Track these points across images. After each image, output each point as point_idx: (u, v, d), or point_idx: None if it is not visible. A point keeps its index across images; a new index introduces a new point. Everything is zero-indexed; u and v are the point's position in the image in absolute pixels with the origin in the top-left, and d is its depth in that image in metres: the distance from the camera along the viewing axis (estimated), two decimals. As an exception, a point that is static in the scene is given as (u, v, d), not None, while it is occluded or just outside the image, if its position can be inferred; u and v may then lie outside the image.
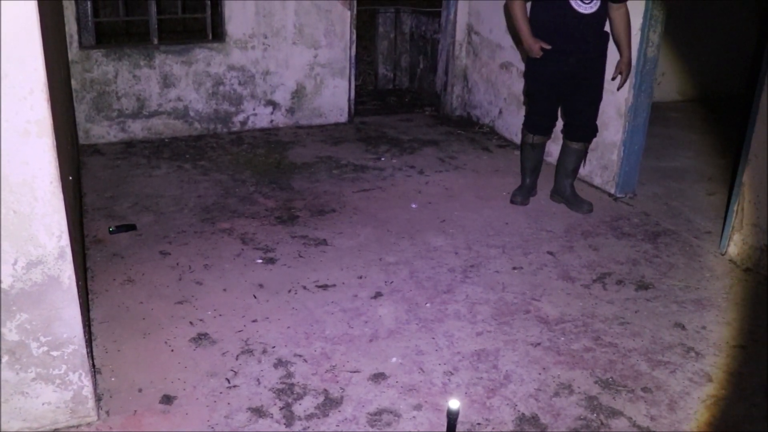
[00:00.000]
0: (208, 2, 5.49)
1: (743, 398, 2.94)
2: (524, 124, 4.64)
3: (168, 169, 5.02)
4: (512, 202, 4.71)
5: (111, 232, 4.02)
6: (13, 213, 2.26)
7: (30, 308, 2.40)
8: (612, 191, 4.87)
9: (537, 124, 4.54)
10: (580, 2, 4.08)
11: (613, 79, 4.48)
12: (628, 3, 4.25)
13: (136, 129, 5.43)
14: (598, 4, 4.10)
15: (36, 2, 2.11)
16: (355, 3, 5.85)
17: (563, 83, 4.31)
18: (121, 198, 4.53)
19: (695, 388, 2.99)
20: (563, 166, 4.66)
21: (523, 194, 4.73)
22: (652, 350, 3.23)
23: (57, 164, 2.27)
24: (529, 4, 4.31)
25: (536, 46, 4.21)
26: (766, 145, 3.78)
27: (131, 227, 4.08)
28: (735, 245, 4.03)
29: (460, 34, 6.31)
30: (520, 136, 5.77)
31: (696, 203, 4.85)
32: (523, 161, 4.75)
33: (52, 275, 2.38)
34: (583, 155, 4.62)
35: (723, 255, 4.09)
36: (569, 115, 4.55)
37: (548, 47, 4.19)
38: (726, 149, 5.82)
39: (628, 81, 4.56)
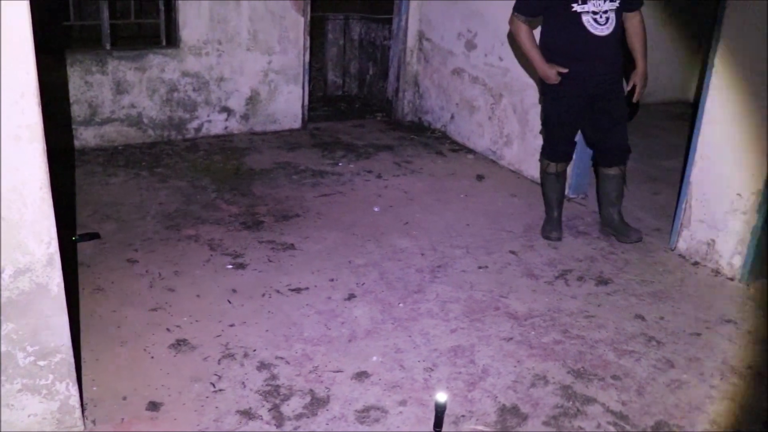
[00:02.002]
0: (162, 8, 5.45)
1: (703, 381, 3.12)
2: (544, 154, 4.38)
3: (125, 176, 4.96)
4: (547, 238, 4.38)
5: (74, 241, 3.96)
6: (2, 220, 2.24)
7: (17, 317, 2.36)
8: (565, 192, 5.04)
9: (560, 151, 4.31)
10: (595, 24, 3.87)
11: (628, 90, 4.16)
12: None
13: (88, 136, 5.34)
14: (614, 24, 3.91)
15: (28, 3, 2.09)
16: (309, 9, 5.89)
17: (583, 107, 4.12)
18: (79, 207, 4.45)
19: (659, 373, 3.16)
20: (605, 196, 4.41)
21: (557, 228, 4.42)
22: (617, 340, 3.38)
23: (47, 169, 2.26)
24: (538, 29, 4.14)
25: (552, 72, 3.98)
26: (712, 147, 4.00)
27: (95, 236, 4.03)
28: (684, 241, 4.24)
29: (411, 40, 6.43)
30: (472, 140, 5.95)
31: (643, 203, 5.07)
32: (547, 193, 4.45)
33: (41, 283, 2.36)
34: (622, 180, 4.35)
35: (673, 250, 4.30)
36: (598, 140, 4.32)
37: (565, 71, 3.97)
38: (667, 152, 6.09)
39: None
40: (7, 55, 2.09)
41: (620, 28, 3.99)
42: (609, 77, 4.04)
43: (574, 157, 4.88)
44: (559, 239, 4.40)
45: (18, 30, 2.09)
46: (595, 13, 3.86)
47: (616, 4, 3.89)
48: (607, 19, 3.88)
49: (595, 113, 4.15)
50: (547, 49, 4.03)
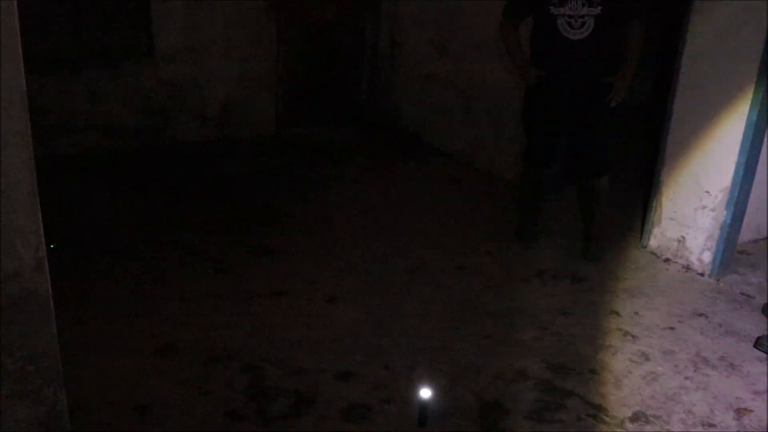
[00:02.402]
0: (137, 16, 5.44)
1: (677, 373, 3.23)
2: (522, 155, 4.40)
3: (101, 184, 4.94)
4: (522, 239, 4.45)
5: (52, 249, 3.94)
6: (-9, 225, 2.25)
7: (6, 322, 2.36)
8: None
9: (535, 154, 4.29)
10: (569, 28, 3.84)
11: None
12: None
13: (64, 146, 5.30)
14: (591, 30, 3.81)
15: (16, 4, 2.11)
16: (282, 16, 5.94)
17: (560, 112, 4.06)
18: (57, 215, 4.43)
19: (635, 366, 3.26)
20: (580, 207, 4.36)
21: (532, 229, 4.49)
22: (594, 336, 3.48)
23: (35, 175, 2.27)
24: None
25: (530, 74, 4.04)
26: (680, 146, 4.13)
27: (71, 244, 4.01)
28: (655, 238, 4.36)
29: (383, 46, 6.50)
30: (445, 144, 6.04)
31: (612, 203, 5.17)
32: (523, 194, 4.49)
33: (29, 287, 2.36)
34: (593, 195, 4.21)
35: (645, 248, 4.42)
36: (573, 148, 4.20)
37: (542, 74, 3.99)
38: (633, 153, 6.22)
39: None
40: (-4, 62, 2.11)
41: (606, 36, 3.86)
42: (589, 85, 3.96)
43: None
44: (534, 240, 4.47)
45: (7, 38, 2.11)
46: (570, 16, 3.82)
47: (596, 10, 3.79)
48: (583, 23, 3.83)
49: (575, 121, 4.06)
50: (532, 49, 4.08)
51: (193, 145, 5.85)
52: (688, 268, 4.15)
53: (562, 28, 3.85)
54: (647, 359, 3.31)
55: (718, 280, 4.04)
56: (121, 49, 5.42)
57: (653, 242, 4.36)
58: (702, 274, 4.09)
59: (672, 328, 3.58)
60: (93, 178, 5.05)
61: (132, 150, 5.63)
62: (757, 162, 3.88)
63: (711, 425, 2.90)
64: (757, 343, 3.44)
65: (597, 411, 2.93)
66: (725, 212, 3.93)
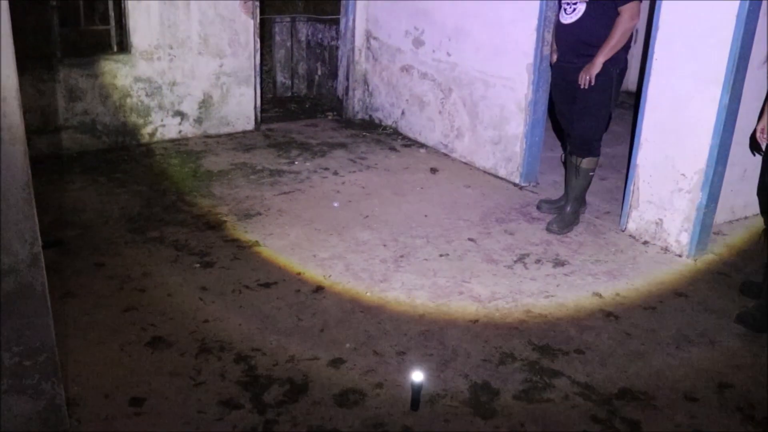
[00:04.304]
0: (112, 14, 5.42)
1: (659, 350, 3.32)
2: None
3: (83, 183, 4.93)
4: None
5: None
6: (-15, 222, 2.26)
7: (3, 318, 2.38)
8: (517, 181, 5.23)
9: (559, 130, 4.77)
10: (563, 13, 4.19)
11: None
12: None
13: (42, 145, 5.28)
14: (580, 15, 4.08)
15: (8, 4, 2.12)
16: (258, 12, 5.95)
17: (561, 93, 4.41)
18: (40, 214, 4.41)
19: (619, 345, 3.34)
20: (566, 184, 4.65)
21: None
22: (577, 317, 3.56)
23: (29, 171, 2.29)
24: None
25: (552, 53, 4.46)
26: (655, 130, 4.23)
27: (59, 243, 4.01)
28: (633, 221, 4.46)
29: (359, 39, 6.54)
30: (423, 135, 6.10)
31: (592, 188, 5.26)
32: None
33: (25, 283, 2.38)
34: (574, 172, 4.44)
35: (623, 231, 4.51)
36: (568, 126, 4.49)
37: (555, 57, 4.40)
38: (611, 140, 6.33)
39: (527, 77, 4.92)
40: (-13, 59, 2.12)
41: (596, 22, 4.05)
42: (577, 67, 4.18)
43: (525, 145, 5.10)
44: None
45: (5, 38, 2.12)
46: (567, 3, 4.16)
47: None
48: (574, 9, 4.12)
49: (571, 101, 4.32)
50: None
51: (172, 142, 5.86)
52: (666, 249, 4.26)
53: (560, 13, 4.22)
54: (630, 338, 3.40)
55: (695, 260, 4.15)
56: (97, 46, 5.39)
57: (632, 225, 4.46)
58: (680, 255, 4.19)
59: (653, 308, 3.68)
60: (73, 177, 5.03)
61: (111, 148, 5.62)
62: (730, 144, 3.99)
63: (694, 399, 2.99)
64: (737, 319, 3.54)
65: (584, 389, 3.01)
66: (701, 194, 4.04)
